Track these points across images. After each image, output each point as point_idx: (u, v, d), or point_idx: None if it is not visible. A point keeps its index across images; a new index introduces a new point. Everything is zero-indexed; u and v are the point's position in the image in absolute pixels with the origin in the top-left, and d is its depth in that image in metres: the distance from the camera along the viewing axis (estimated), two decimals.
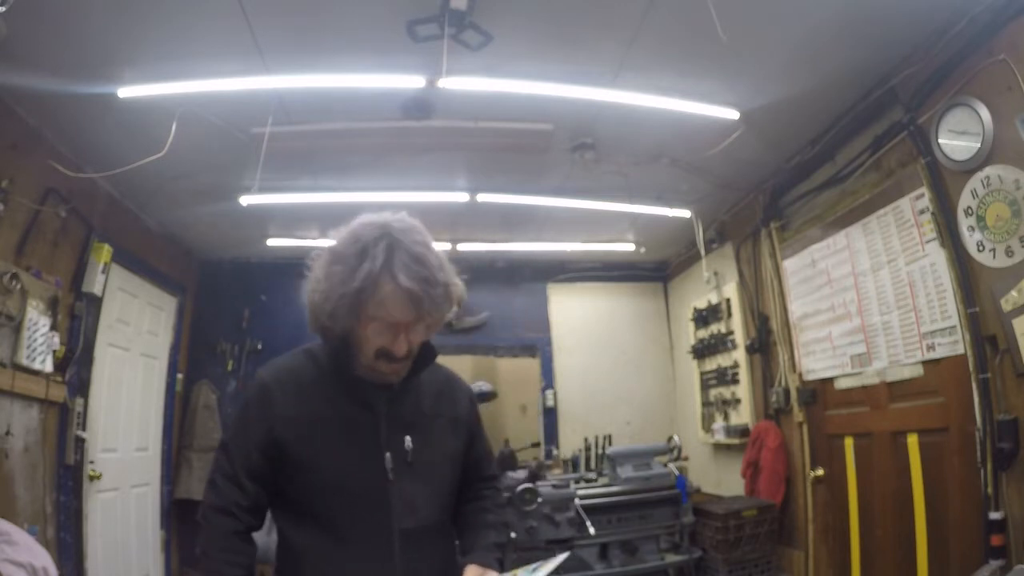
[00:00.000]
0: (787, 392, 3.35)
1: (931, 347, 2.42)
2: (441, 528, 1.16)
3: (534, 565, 1.10)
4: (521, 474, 3.33)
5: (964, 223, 2.21)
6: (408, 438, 1.10)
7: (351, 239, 1.03)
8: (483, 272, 4.86)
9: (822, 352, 3.08)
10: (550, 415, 4.82)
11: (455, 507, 1.21)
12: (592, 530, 3.17)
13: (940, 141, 2.30)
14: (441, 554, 1.15)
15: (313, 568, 1.06)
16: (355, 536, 1.06)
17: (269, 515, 1.14)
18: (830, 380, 3.03)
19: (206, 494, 1.08)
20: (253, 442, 1.07)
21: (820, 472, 3.07)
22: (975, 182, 2.16)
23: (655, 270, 5.24)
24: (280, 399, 1.08)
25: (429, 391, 1.18)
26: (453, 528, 1.22)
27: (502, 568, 1.16)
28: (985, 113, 2.10)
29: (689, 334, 4.57)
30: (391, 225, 1.03)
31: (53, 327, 2.72)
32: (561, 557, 1.12)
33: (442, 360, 1.22)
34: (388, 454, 1.08)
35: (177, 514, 4.06)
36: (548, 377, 4.91)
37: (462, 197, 3.58)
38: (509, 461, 3.83)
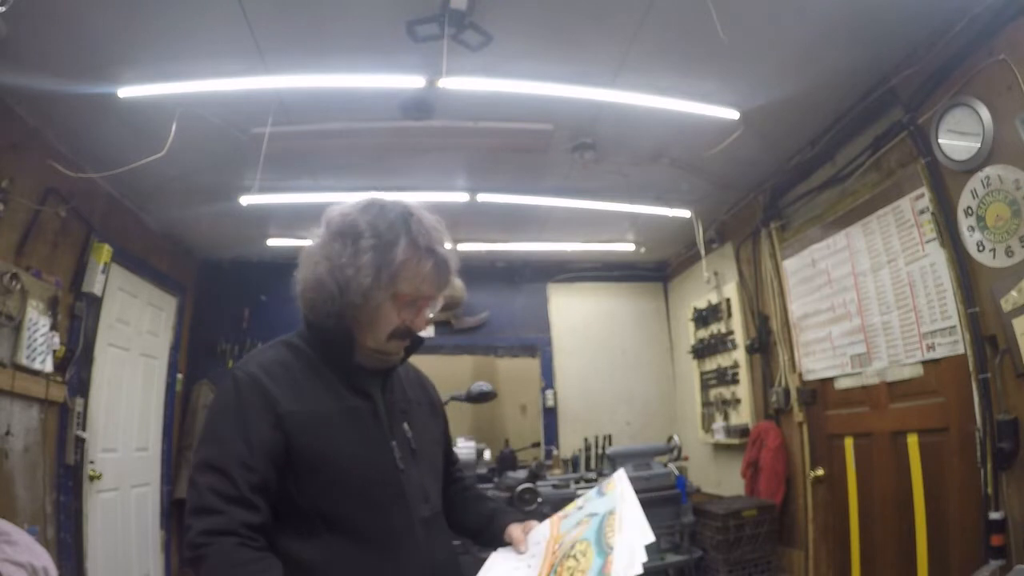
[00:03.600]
0: (787, 392, 3.35)
1: (931, 347, 2.42)
2: (441, 513, 1.14)
3: (595, 492, 1.02)
4: (521, 474, 3.32)
5: (964, 223, 2.21)
6: (406, 425, 1.08)
7: (377, 213, 1.01)
8: (483, 272, 4.86)
9: (822, 352, 3.08)
10: (550, 415, 4.82)
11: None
12: None
13: (940, 141, 2.30)
14: (449, 538, 1.13)
15: None
16: (379, 534, 0.97)
17: None
18: (830, 380, 3.03)
19: (197, 521, 0.88)
20: (256, 449, 0.92)
21: (820, 472, 3.07)
22: (975, 182, 2.16)
23: (655, 270, 5.24)
24: (278, 393, 0.96)
25: (407, 379, 1.17)
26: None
27: None
28: (985, 113, 2.10)
29: (689, 334, 4.57)
30: (405, 203, 1.03)
31: (53, 327, 2.72)
32: (620, 476, 1.02)
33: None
34: (394, 443, 1.04)
35: (177, 514, 4.06)
36: (548, 377, 4.91)
37: (462, 197, 3.58)
38: (509, 461, 3.83)
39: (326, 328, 1.02)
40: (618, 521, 0.90)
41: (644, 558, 0.83)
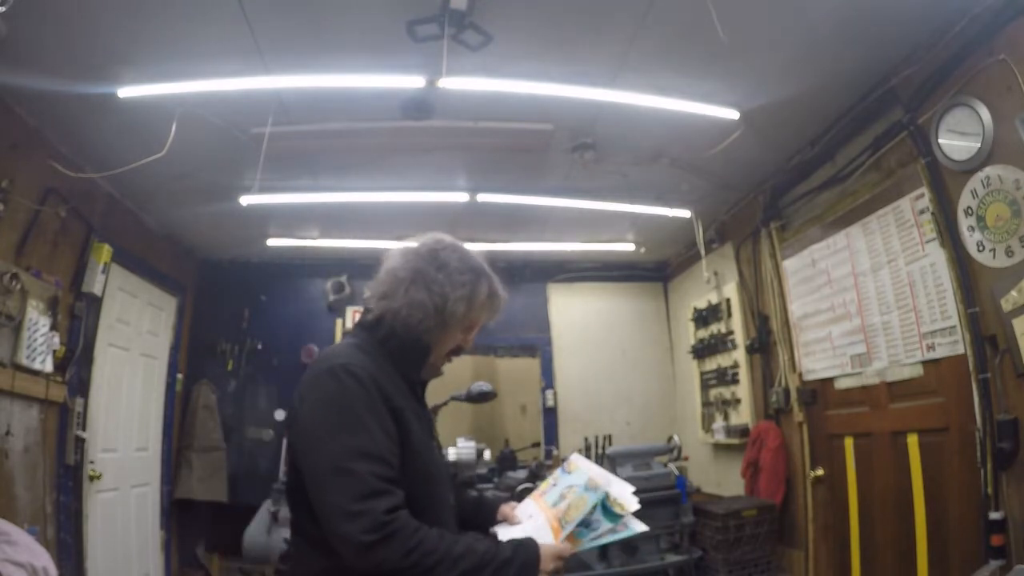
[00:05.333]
0: (787, 392, 3.35)
1: (931, 347, 2.42)
2: None
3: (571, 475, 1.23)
4: (521, 474, 3.32)
5: (964, 223, 2.21)
6: (434, 428, 1.29)
7: (464, 255, 1.21)
8: None
9: (822, 352, 3.08)
10: (550, 415, 4.83)
11: None
12: None
13: (940, 141, 2.30)
14: None
15: None
16: (431, 521, 1.08)
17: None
18: (830, 380, 3.03)
19: (376, 502, 0.97)
20: (392, 439, 1.05)
21: (820, 472, 3.07)
22: (975, 182, 2.16)
23: (655, 270, 5.24)
24: (388, 390, 1.09)
25: None
26: None
27: None
28: (985, 113, 2.10)
29: (689, 334, 4.57)
30: (477, 251, 1.26)
31: (53, 327, 2.72)
32: (577, 456, 1.28)
33: None
34: (433, 442, 1.23)
35: (177, 514, 4.06)
36: (548, 377, 4.91)
37: (462, 197, 3.58)
38: (509, 461, 3.83)
39: (410, 340, 1.16)
40: (598, 481, 1.15)
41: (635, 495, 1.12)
